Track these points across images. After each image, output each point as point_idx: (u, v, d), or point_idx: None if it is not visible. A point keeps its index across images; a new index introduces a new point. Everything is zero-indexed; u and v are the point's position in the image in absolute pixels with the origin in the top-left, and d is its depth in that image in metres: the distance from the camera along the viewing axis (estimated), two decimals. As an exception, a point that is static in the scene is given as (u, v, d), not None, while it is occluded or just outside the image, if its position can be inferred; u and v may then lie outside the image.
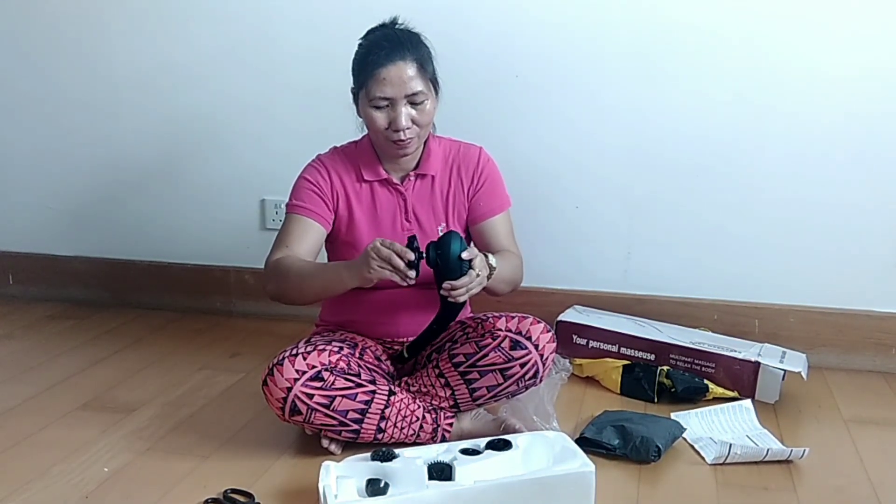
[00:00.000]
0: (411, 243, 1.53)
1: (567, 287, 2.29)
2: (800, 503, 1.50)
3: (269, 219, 2.47)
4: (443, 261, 1.55)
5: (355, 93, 1.73)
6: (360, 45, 1.71)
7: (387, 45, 1.65)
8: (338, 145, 1.84)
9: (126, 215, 2.62)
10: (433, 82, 1.70)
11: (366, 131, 1.78)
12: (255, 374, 1.91)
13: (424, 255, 1.55)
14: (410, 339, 1.83)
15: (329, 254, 1.86)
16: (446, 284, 1.56)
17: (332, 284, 1.65)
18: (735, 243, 2.17)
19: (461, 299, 1.59)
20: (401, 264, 1.50)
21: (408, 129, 1.66)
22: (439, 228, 1.80)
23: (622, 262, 2.26)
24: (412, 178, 1.79)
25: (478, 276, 1.57)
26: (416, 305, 1.76)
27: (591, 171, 2.22)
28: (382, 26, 1.72)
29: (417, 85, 1.65)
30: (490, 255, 1.66)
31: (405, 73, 1.64)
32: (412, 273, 1.52)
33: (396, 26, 1.71)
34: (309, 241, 1.74)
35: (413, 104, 1.66)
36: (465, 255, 1.55)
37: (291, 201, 1.78)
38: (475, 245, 1.85)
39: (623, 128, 2.17)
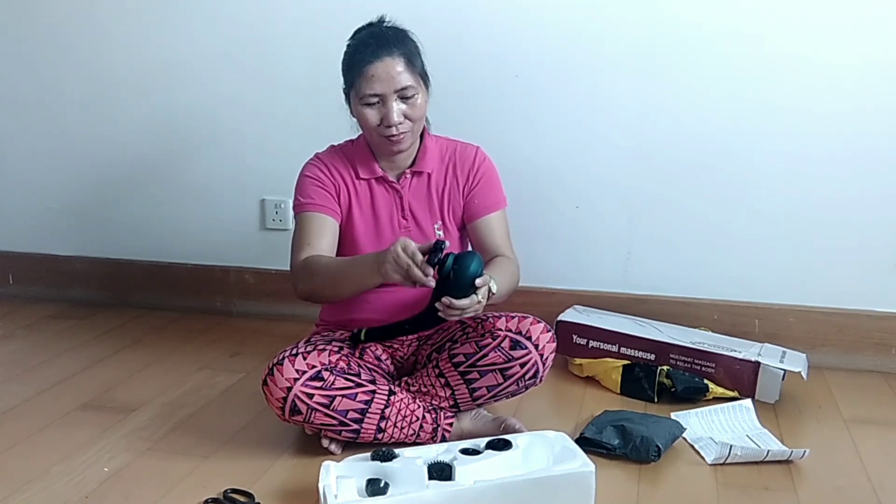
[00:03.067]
0: (439, 246, 1.50)
1: (567, 287, 2.29)
2: (800, 503, 1.50)
3: (269, 219, 2.47)
4: (455, 276, 1.52)
5: (347, 92, 1.73)
6: (347, 44, 1.72)
7: (373, 42, 1.65)
8: (335, 144, 1.84)
9: (126, 215, 2.62)
10: (423, 77, 1.71)
11: (360, 131, 1.78)
12: (255, 374, 1.91)
13: (440, 262, 1.51)
14: (410, 338, 1.83)
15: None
16: (445, 300, 1.53)
17: (363, 279, 1.62)
18: (735, 243, 2.17)
19: (450, 317, 1.57)
20: (418, 275, 1.48)
21: (400, 124, 1.66)
22: (435, 226, 1.80)
23: (622, 262, 2.26)
24: (408, 176, 1.79)
25: (478, 303, 1.55)
26: (417, 306, 1.76)
27: (591, 171, 2.22)
28: (369, 25, 1.73)
29: (406, 80, 1.65)
30: (494, 281, 1.61)
31: (393, 68, 1.64)
32: (431, 282, 1.50)
33: (384, 24, 1.72)
34: (328, 235, 1.75)
35: (403, 99, 1.66)
36: (478, 282, 1.52)
37: (299, 200, 1.78)
38: (470, 243, 1.85)
39: (623, 127, 2.17)
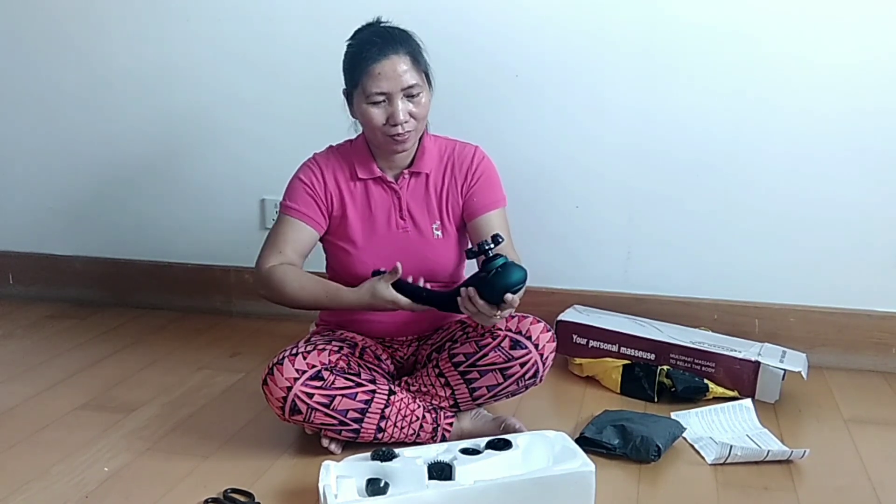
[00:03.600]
0: (495, 239, 1.53)
1: (567, 287, 2.29)
2: (800, 503, 1.50)
3: (269, 218, 2.46)
4: (493, 278, 1.51)
5: (349, 93, 1.73)
6: (349, 45, 1.72)
7: (379, 40, 1.65)
8: (333, 144, 1.84)
9: (126, 215, 2.62)
10: (427, 75, 1.71)
11: (359, 132, 1.78)
12: (255, 374, 1.91)
13: (489, 257, 1.53)
14: (410, 338, 1.84)
15: (324, 251, 1.86)
16: (470, 290, 1.53)
17: (332, 307, 1.71)
18: (735, 242, 2.17)
19: (464, 309, 1.57)
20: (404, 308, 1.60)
21: (405, 122, 1.66)
22: (434, 226, 1.80)
23: (622, 261, 2.26)
24: (406, 177, 1.79)
25: (495, 315, 1.55)
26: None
27: (591, 171, 2.22)
28: (369, 25, 1.72)
29: (412, 78, 1.65)
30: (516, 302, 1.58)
31: (399, 66, 1.64)
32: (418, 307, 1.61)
33: (381, 24, 1.72)
34: (301, 245, 1.76)
35: (409, 97, 1.66)
36: (507, 297, 1.51)
37: (285, 201, 1.78)
38: (470, 243, 1.84)
39: (623, 127, 2.17)
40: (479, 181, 1.81)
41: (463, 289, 1.56)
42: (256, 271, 1.75)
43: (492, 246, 1.53)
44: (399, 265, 1.59)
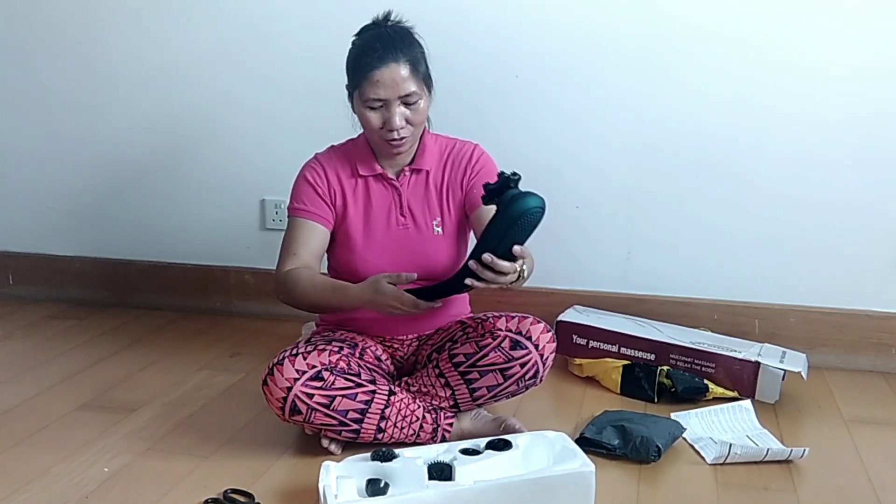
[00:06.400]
0: (510, 179, 1.48)
1: (567, 287, 2.29)
2: (800, 503, 1.50)
3: (269, 219, 2.47)
4: (510, 202, 1.46)
5: (350, 91, 1.73)
6: (353, 43, 1.72)
7: (379, 46, 1.65)
8: (335, 144, 1.85)
9: (126, 215, 2.62)
10: (426, 81, 1.71)
11: (361, 129, 1.79)
12: (255, 374, 1.91)
13: (499, 189, 1.49)
14: (410, 337, 1.84)
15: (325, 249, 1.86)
16: (487, 256, 1.48)
17: (341, 307, 1.71)
18: (735, 243, 2.17)
19: (482, 277, 1.51)
20: (412, 310, 1.58)
21: (402, 129, 1.67)
22: (434, 223, 1.80)
23: (622, 262, 2.26)
24: (407, 174, 1.79)
25: (515, 272, 1.52)
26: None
27: (591, 171, 2.22)
28: (375, 25, 1.72)
29: (411, 86, 1.65)
30: (525, 264, 1.56)
31: (398, 74, 1.64)
32: (435, 305, 1.60)
33: (389, 22, 1.71)
34: (314, 244, 1.76)
35: (407, 104, 1.67)
36: (516, 250, 1.48)
37: (293, 204, 1.79)
38: (475, 236, 1.83)
39: (623, 127, 2.17)
40: (480, 173, 1.81)
41: (472, 262, 1.51)
42: (275, 278, 1.76)
43: (511, 183, 1.49)
44: (407, 275, 1.57)
